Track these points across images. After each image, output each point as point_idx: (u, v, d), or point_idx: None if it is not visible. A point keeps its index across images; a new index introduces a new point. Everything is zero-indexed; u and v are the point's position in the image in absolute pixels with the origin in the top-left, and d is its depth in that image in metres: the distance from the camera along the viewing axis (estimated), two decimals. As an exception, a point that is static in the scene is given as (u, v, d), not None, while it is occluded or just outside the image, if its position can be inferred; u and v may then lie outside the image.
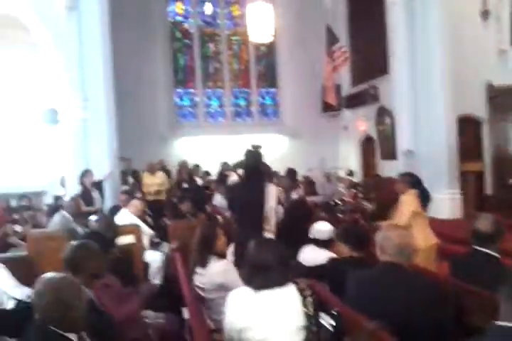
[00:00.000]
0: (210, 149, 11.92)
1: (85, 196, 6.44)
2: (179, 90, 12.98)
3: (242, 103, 13.46)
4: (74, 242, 2.53)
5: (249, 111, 13.50)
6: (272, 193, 3.66)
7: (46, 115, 10.27)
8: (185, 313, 2.50)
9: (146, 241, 5.37)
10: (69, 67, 7.52)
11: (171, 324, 2.87)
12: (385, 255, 2.37)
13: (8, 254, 4.90)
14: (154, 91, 11.87)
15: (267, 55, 13.45)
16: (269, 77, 13.53)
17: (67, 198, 6.63)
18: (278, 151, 11.83)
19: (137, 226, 5.24)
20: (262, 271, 2.09)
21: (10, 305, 3.55)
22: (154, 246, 5.63)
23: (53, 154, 10.63)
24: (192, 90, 13.09)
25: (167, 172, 9.79)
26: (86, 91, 7.54)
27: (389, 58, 10.04)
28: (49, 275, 1.92)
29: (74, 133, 7.63)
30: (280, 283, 2.10)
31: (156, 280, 5.04)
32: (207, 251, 2.95)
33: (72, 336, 1.84)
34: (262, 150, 3.78)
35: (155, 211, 7.13)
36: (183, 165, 10.54)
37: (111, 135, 7.75)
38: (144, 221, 5.80)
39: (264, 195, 3.59)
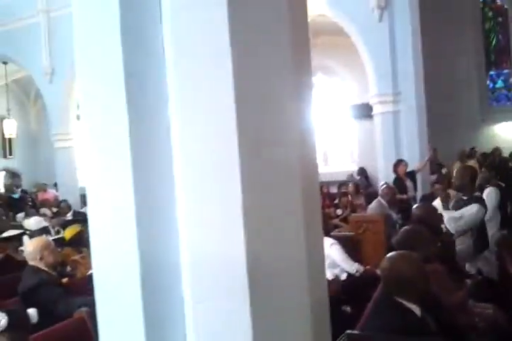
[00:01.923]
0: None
1: (399, 184, 6.79)
2: (492, 72, 11.97)
3: None
4: (406, 227, 2.83)
5: None
6: None
7: (358, 110, 11.21)
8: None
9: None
10: (380, 64, 8.04)
11: (500, 315, 2.86)
12: None
13: (335, 233, 5.64)
14: (465, 75, 11.30)
15: None
16: None
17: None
18: None
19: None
20: None
21: (343, 277, 4.18)
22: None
23: (362, 146, 11.60)
24: (507, 71, 11.86)
25: (481, 160, 9.28)
26: (398, 86, 7.92)
27: None
28: (392, 253, 2.27)
29: (385, 125, 8.13)
30: None
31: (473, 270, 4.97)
32: None
33: (413, 307, 2.14)
34: None
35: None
36: (496, 153, 9.76)
37: (421, 125, 7.93)
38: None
39: None
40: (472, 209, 3.90)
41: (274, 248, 1.35)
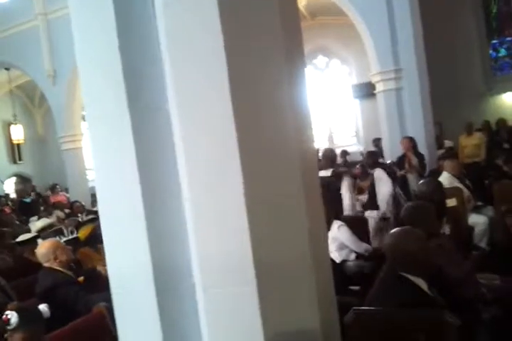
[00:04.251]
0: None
1: (404, 161, 6.80)
2: (494, 41, 11.77)
3: None
4: (410, 203, 2.88)
5: None
6: None
7: (360, 89, 11.14)
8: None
9: (468, 204, 5.37)
10: (380, 41, 7.98)
11: (508, 285, 2.90)
12: None
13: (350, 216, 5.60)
14: (466, 46, 11.13)
15: None
16: None
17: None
18: None
19: (459, 189, 5.28)
20: None
21: (352, 257, 4.22)
22: (477, 209, 5.57)
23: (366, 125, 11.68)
24: (510, 38, 11.66)
25: (487, 132, 9.27)
26: (399, 62, 7.88)
27: None
28: (395, 229, 2.33)
29: (388, 103, 8.12)
30: None
31: (482, 243, 5.01)
32: None
33: (419, 281, 2.20)
34: None
35: (473, 174, 6.93)
36: (501, 124, 9.74)
37: (425, 101, 7.89)
38: (464, 184, 5.77)
39: None
40: None
41: (277, 236, 1.40)
